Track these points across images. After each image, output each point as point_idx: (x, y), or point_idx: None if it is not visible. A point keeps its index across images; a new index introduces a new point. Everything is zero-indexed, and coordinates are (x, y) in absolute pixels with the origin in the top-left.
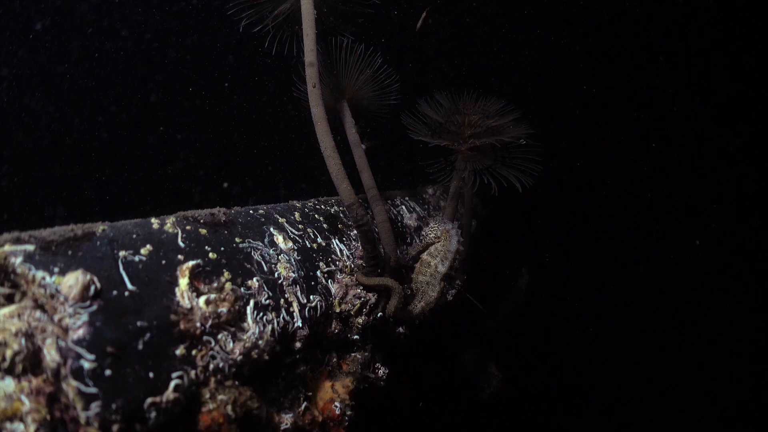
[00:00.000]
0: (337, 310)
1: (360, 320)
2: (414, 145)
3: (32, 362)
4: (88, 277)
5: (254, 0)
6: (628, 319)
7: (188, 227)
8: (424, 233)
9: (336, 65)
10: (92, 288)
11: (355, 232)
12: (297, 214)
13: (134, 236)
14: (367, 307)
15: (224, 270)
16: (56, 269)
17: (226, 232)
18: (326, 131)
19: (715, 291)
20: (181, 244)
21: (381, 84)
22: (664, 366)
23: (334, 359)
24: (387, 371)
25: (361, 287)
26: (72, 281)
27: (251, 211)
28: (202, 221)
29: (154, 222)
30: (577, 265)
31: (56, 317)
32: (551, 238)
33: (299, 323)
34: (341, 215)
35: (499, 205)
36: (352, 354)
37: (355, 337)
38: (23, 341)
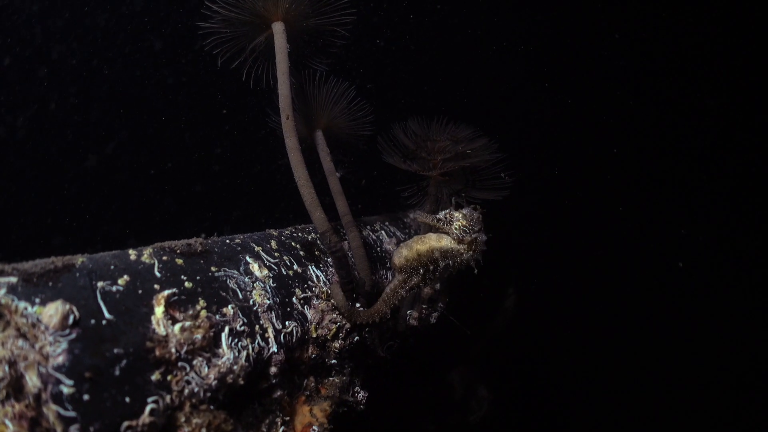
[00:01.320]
0: (314, 335)
1: (337, 344)
2: (391, 170)
3: (15, 388)
4: (68, 306)
5: (231, 34)
6: (618, 337)
7: (165, 258)
8: (448, 216)
9: (310, 96)
10: (71, 317)
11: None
12: (273, 243)
13: (112, 267)
14: (343, 331)
15: (199, 298)
16: (37, 300)
17: (202, 261)
18: (299, 161)
19: (703, 307)
20: (158, 274)
21: (355, 115)
22: (655, 386)
23: (312, 383)
24: (367, 395)
25: (337, 312)
26: (52, 311)
27: (228, 241)
28: (178, 251)
29: (132, 253)
30: (565, 283)
31: (37, 345)
32: (538, 256)
33: (275, 348)
34: (318, 242)
35: (485, 225)
36: (331, 378)
37: (333, 361)
38: (7, 368)
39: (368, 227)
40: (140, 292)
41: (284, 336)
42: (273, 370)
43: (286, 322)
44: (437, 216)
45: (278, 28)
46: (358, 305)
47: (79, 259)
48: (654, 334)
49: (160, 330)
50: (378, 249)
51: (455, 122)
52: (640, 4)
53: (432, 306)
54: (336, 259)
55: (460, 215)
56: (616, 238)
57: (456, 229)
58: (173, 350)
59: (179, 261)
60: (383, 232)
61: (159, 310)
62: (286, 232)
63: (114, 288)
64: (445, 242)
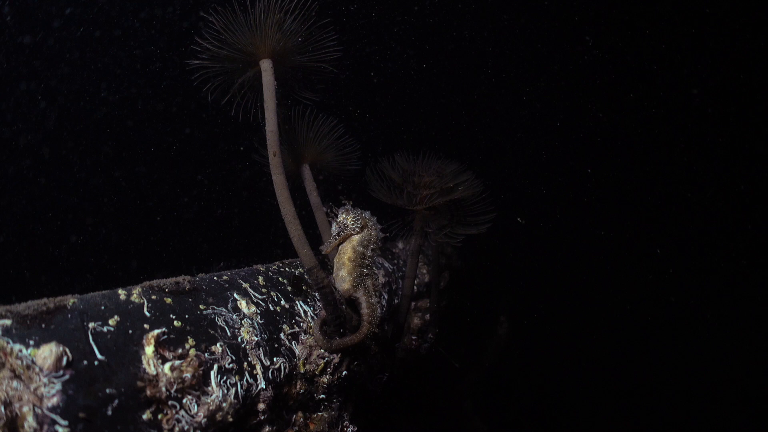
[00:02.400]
0: (302, 371)
1: (325, 379)
2: (379, 203)
3: (11, 428)
4: (61, 348)
5: (219, 70)
6: (614, 363)
7: (153, 297)
8: (341, 226)
9: (298, 131)
10: (65, 359)
11: None
12: (261, 278)
13: (103, 308)
14: (331, 366)
15: (188, 337)
16: (32, 342)
17: (190, 299)
18: (287, 198)
19: (702, 338)
20: (147, 314)
21: (342, 150)
22: (651, 414)
23: (301, 419)
24: (356, 429)
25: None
26: (46, 353)
27: (215, 278)
28: (167, 290)
29: (122, 293)
30: (558, 310)
31: (32, 386)
32: (530, 283)
33: (263, 385)
34: (305, 276)
35: (475, 255)
36: (319, 413)
37: (321, 396)
38: (2, 409)
39: None
40: (131, 332)
41: (272, 372)
42: (261, 406)
43: (274, 358)
44: (334, 232)
45: (266, 66)
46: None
47: (71, 300)
48: (651, 363)
49: (151, 369)
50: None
51: (441, 156)
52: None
53: (422, 337)
54: (323, 294)
55: (344, 216)
56: (608, 263)
57: (351, 224)
58: (163, 389)
59: (168, 300)
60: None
61: (149, 350)
62: (274, 267)
63: (105, 328)
64: (355, 239)
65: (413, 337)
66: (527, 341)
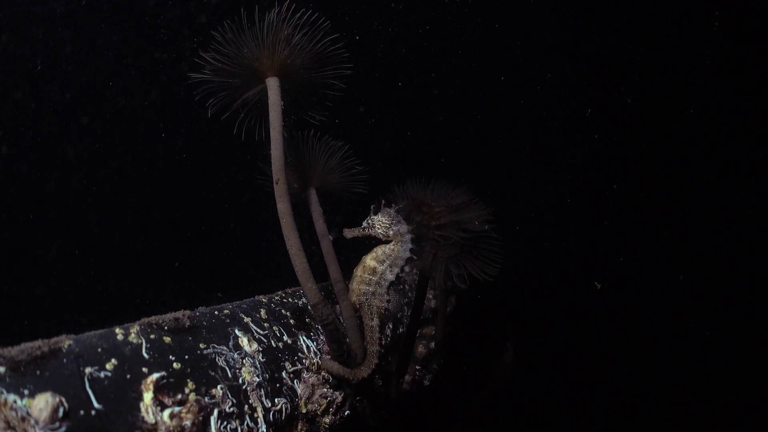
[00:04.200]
0: (303, 411)
1: (327, 419)
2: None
3: None
4: (57, 399)
5: (222, 86)
6: (624, 392)
7: (152, 336)
8: (369, 222)
9: (304, 152)
10: (61, 410)
11: None
12: (263, 312)
13: (99, 350)
14: (334, 406)
15: (188, 380)
16: (26, 391)
17: (190, 338)
18: (292, 228)
19: (714, 369)
20: (146, 356)
21: (349, 173)
22: None
23: None
24: None
25: (328, 386)
26: (42, 404)
27: (216, 312)
28: (166, 328)
29: (119, 333)
30: (566, 337)
31: None
32: (536, 309)
33: (263, 428)
34: (309, 308)
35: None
36: None
37: None
38: None
39: None
40: (128, 376)
41: (273, 414)
42: None
43: (276, 399)
44: (362, 226)
45: (273, 84)
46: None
47: (66, 343)
48: (662, 391)
49: (149, 418)
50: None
51: (452, 184)
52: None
53: (426, 367)
54: (328, 332)
55: (379, 215)
56: (616, 289)
57: (379, 228)
58: None
59: (167, 339)
60: None
61: (148, 396)
62: (276, 298)
63: (102, 374)
64: (376, 252)
65: (417, 367)
66: (534, 368)
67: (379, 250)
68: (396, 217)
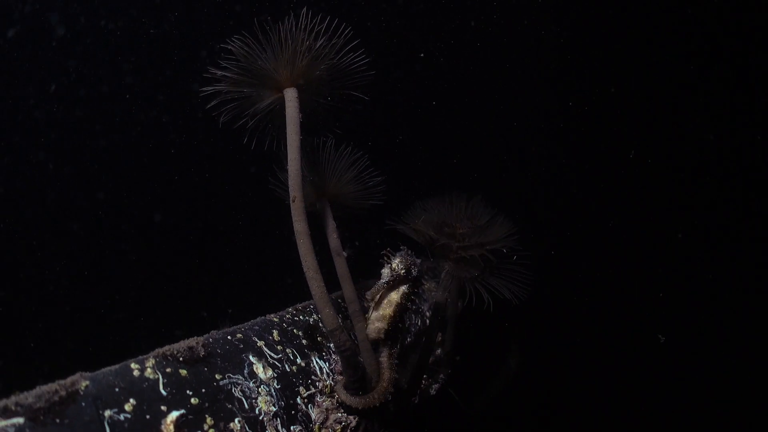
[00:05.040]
0: None
1: None
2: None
3: None
4: None
5: (236, 95)
6: (630, 397)
7: (168, 369)
8: (395, 268)
9: (319, 161)
10: None
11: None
12: (275, 333)
13: (117, 390)
14: (348, 430)
15: (207, 416)
16: None
17: (206, 369)
18: (309, 250)
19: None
20: (163, 392)
21: (365, 184)
22: None
23: None
24: None
25: (342, 410)
26: None
27: (229, 337)
28: (181, 359)
29: (135, 368)
30: (572, 341)
31: None
32: (543, 311)
33: None
34: (320, 324)
35: None
36: None
37: None
38: None
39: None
40: (148, 417)
41: None
42: None
43: (291, 427)
44: (386, 277)
45: (291, 96)
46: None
47: (83, 384)
48: (665, 395)
49: None
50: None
51: (475, 201)
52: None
53: (432, 377)
54: (344, 359)
55: (398, 262)
56: (623, 291)
57: (396, 270)
58: None
59: (183, 372)
60: None
61: None
62: (287, 316)
63: (122, 416)
64: (402, 291)
65: (424, 376)
66: (539, 371)
67: (403, 290)
68: (410, 256)
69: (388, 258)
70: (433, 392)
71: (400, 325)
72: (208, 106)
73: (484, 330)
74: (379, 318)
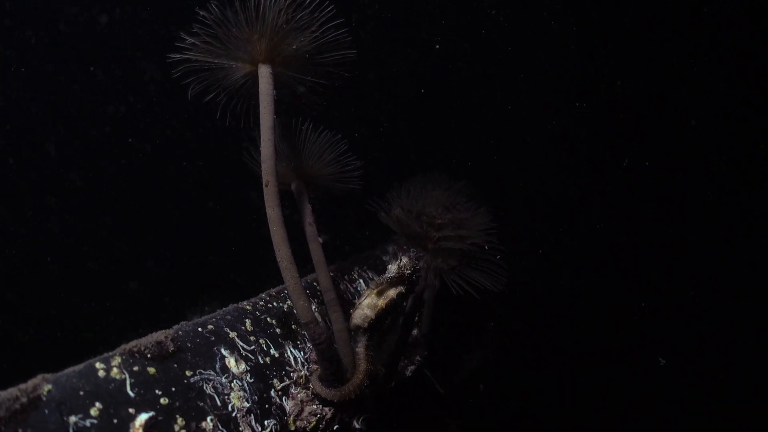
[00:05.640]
0: (292, 429)
1: None
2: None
3: None
4: None
5: (204, 64)
6: (604, 378)
7: (135, 368)
8: (402, 265)
9: (295, 142)
10: None
11: None
12: (248, 323)
13: (81, 393)
14: (324, 422)
15: (177, 416)
16: None
17: (175, 365)
18: (283, 238)
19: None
20: (131, 393)
21: (343, 167)
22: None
23: None
24: None
25: (317, 402)
26: None
27: (200, 329)
28: (149, 356)
29: (100, 368)
30: (547, 320)
31: None
32: (521, 288)
33: None
34: (295, 313)
35: None
36: None
37: None
38: None
39: (345, 277)
40: (115, 421)
41: None
42: None
43: (265, 422)
44: (392, 272)
45: (264, 72)
46: None
47: (45, 388)
48: (648, 382)
49: None
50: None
51: (454, 187)
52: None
53: (409, 358)
54: (319, 351)
55: (406, 260)
56: (603, 270)
57: (403, 269)
58: None
59: (151, 370)
60: (361, 281)
61: None
62: (261, 303)
63: (88, 422)
64: (400, 290)
65: (400, 361)
66: (516, 348)
67: (401, 290)
68: (416, 261)
69: (395, 255)
70: (409, 374)
71: (386, 321)
72: (175, 74)
73: (461, 311)
74: (370, 306)
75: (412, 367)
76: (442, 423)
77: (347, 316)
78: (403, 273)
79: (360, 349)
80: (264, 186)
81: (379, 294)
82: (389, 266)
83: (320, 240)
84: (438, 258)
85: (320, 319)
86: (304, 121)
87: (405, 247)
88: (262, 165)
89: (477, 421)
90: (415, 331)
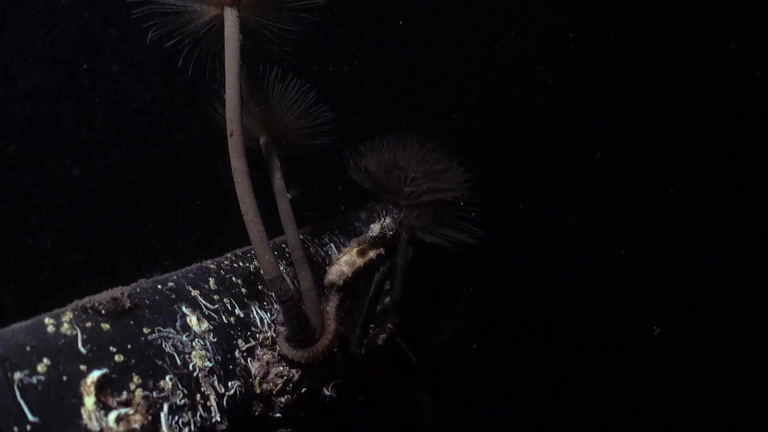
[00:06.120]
0: (258, 391)
1: (283, 399)
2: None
3: None
4: None
5: (166, 7)
6: (571, 345)
7: (88, 324)
8: (386, 225)
9: (262, 93)
10: None
11: None
12: (212, 281)
13: (28, 349)
14: (291, 384)
15: (133, 374)
16: None
17: (132, 322)
18: (248, 190)
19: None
20: (82, 350)
21: (314, 121)
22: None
23: None
24: None
25: (284, 364)
26: None
27: (159, 286)
28: (103, 312)
29: (49, 323)
30: (520, 290)
31: None
32: (493, 260)
33: (217, 417)
34: (262, 273)
35: None
36: None
37: (277, 415)
38: None
39: (316, 241)
40: (65, 378)
41: (227, 400)
42: None
43: (229, 383)
44: (375, 231)
45: (230, 15)
46: None
47: None
48: (620, 356)
49: (93, 425)
50: (327, 268)
51: (429, 144)
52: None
53: (380, 326)
54: (286, 309)
55: (388, 220)
56: (579, 242)
57: (386, 228)
58: None
59: (105, 326)
60: (332, 245)
61: (89, 401)
62: (226, 262)
63: (34, 379)
64: (380, 252)
65: (371, 326)
66: (487, 319)
67: (381, 252)
68: (400, 226)
69: (379, 215)
70: (380, 342)
71: (361, 283)
72: (133, 15)
73: (434, 279)
74: (348, 263)
75: (384, 335)
76: (414, 398)
77: (317, 278)
78: (386, 234)
79: (330, 308)
80: (228, 136)
81: (360, 253)
82: (372, 225)
83: (289, 196)
84: (411, 216)
85: (288, 280)
86: (273, 71)
87: (381, 212)
88: (227, 114)
89: (450, 397)
90: (387, 299)
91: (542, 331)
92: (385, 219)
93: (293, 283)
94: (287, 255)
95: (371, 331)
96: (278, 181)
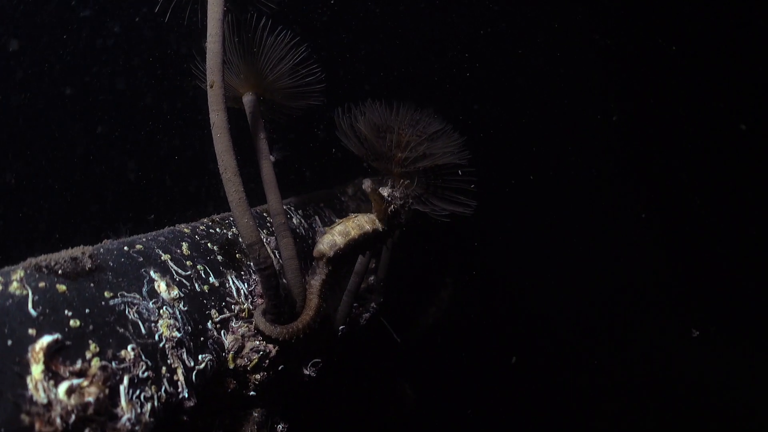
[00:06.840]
0: (231, 366)
1: (258, 376)
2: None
3: None
4: None
5: None
6: (555, 332)
7: (42, 284)
8: (392, 194)
9: (248, 47)
10: None
11: None
12: (185, 246)
13: None
14: (267, 360)
15: (90, 341)
16: None
17: (92, 284)
18: (227, 146)
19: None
20: (33, 312)
21: (303, 80)
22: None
23: (227, 420)
24: (287, 426)
25: (261, 338)
26: None
27: (126, 248)
28: (60, 272)
29: None
30: (505, 275)
31: None
32: (478, 245)
33: (185, 393)
34: (240, 239)
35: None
36: (248, 411)
37: (252, 393)
38: None
39: (299, 212)
40: (10, 342)
41: (196, 374)
42: (184, 418)
43: (199, 356)
44: (385, 193)
45: None
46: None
47: None
48: (598, 338)
49: (40, 396)
50: (311, 241)
51: (423, 110)
52: None
53: (363, 306)
54: (264, 277)
55: (401, 191)
56: (561, 228)
57: (399, 205)
58: (59, 422)
59: (61, 288)
60: (317, 218)
61: (37, 369)
62: (201, 227)
63: None
64: (377, 225)
65: (354, 304)
66: (471, 305)
67: (380, 224)
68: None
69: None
70: (363, 322)
71: (352, 257)
72: None
73: (419, 260)
74: (342, 233)
75: (367, 315)
76: (395, 384)
77: (300, 251)
78: (388, 208)
79: (316, 282)
80: (209, 87)
81: (357, 225)
82: (381, 189)
83: (272, 158)
84: (403, 184)
85: (269, 250)
86: (259, 20)
87: (384, 181)
88: (207, 63)
89: (431, 384)
90: (371, 278)
91: (528, 321)
92: (385, 190)
93: (274, 253)
94: (269, 225)
95: (354, 310)
96: (261, 141)
